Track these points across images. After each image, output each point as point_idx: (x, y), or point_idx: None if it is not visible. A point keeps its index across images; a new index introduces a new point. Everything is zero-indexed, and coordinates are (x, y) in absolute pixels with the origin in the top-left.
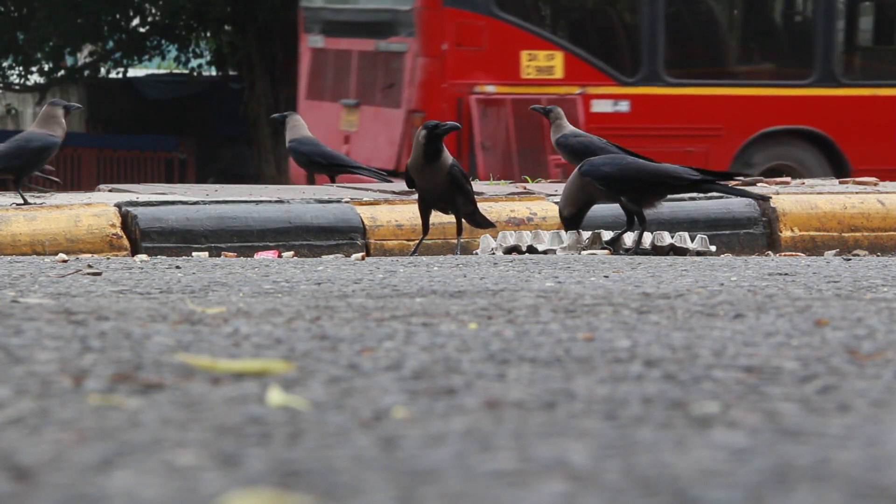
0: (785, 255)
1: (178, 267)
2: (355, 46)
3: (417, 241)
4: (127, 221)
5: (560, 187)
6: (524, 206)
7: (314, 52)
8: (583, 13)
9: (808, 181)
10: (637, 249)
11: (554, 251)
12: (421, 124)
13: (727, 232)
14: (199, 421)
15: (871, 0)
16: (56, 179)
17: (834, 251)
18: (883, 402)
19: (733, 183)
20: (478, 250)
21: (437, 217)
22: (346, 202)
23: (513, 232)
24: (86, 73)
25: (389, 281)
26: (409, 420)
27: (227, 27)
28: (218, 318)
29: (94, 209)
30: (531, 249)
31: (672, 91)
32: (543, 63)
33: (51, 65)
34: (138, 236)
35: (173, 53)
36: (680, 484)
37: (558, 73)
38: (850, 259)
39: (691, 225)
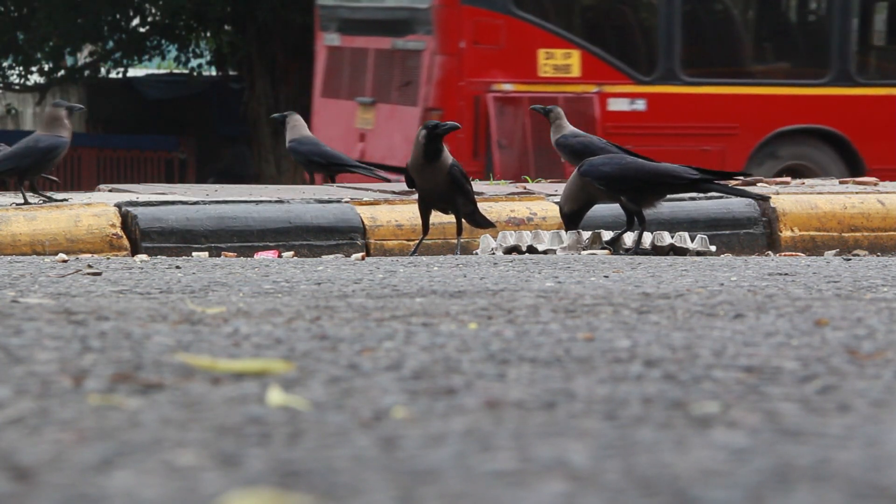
0: (785, 255)
1: (178, 267)
2: (372, 44)
3: (417, 241)
4: (127, 221)
5: (560, 187)
6: (524, 206)
7: (330, 50)
8: (600, 12)
9: (808, 181)
10: (637, 249)
11: (554, 251)
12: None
13: (727, 232)
14: (199, 421)
15: None
16: (55, 179)
17: (834, 251)
18: (883, 402)
19: (733, 183)
20: (478, 250)
21: (437, 217)
22: (346, 202)
23: (513, 232)
24: (86, 73)
25: (389, 281)
26: (409, 420)
27: (227, 27)
28: (218, 318)
29: (94, 209)
30: (531, 249)
31: (688, 90)
32: (560, 61)
33: (51, 65)
34: (138, 236)
35: (173, 53)
36: (680, 484)
37: (575, 72)
38: (850, 259)
39: (691, 225)
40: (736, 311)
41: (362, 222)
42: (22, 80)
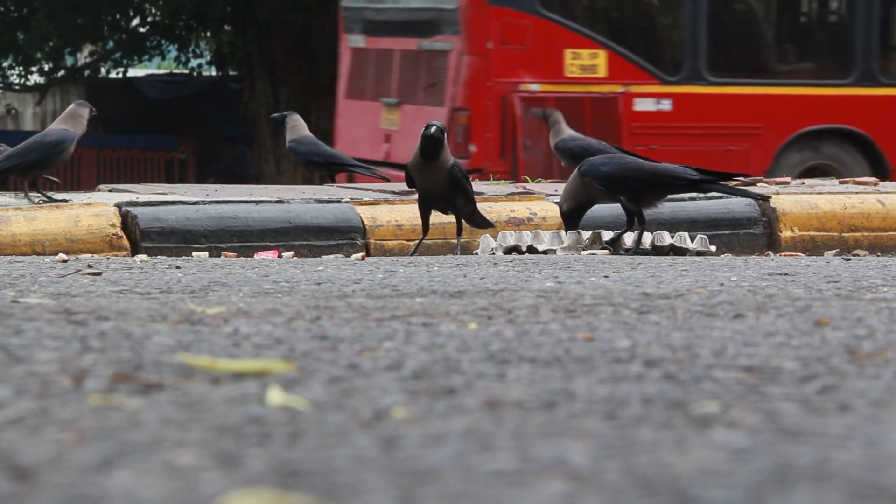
0: (785, 255)
1: (178, 267)
2: (397, 45)
3: (417, 241)
4: (127, 221)
5: (560, 187)
6: (524, 206)
7: (354, 52)
8: (626, 12)
9: (808, 181)
10: (637, 249)
11: (554, 251)
12: (466, 122)
13: (727, 232)
14: (199, 421)
15: None
16: (55, 180)
17: (834, 251)
18: (883, 402)
19: (733, 183)
20: (478, 250)
21: (437, 217)
22: (346, 202)
23: (513, 232)
24: (86, 73)
25: (389, 281)
26: (409, 420)
27: (227, 27)
28: (218, 318)
29: (94, 209)
30: (531, 249)
31: (714, 90)
32: (587, 62)
33: (51, 65)
34: (138, 236)
35: (173, 53)
36: (680, 484)
37: (602, 72)
38: (850, 259)
39: (691, 225)
40: (736, 311)
41: (362, 222)
42: (22, 80)
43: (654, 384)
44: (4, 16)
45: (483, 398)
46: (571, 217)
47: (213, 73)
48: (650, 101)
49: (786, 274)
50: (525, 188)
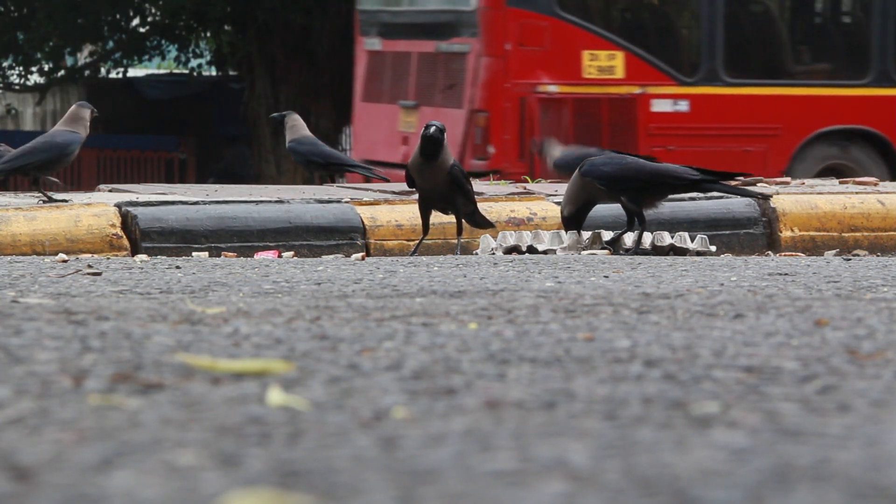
0: (785, 255)
1: (178, 267)
2: (414, 48)
3: (417, 241)
4: (127, 221)
5: (560, 187)
6: (524, 206)
7: (371, 55)
8: (643, 13)
9: (807, 181)
10: (637, 249)
11: (554, 251)
12: (484, 123)
13: (727, 232)
14: (199, 421)
15: None
16: (55, 179)
17: (834, 251)
18: (883, 402)
19: (734, 183)
20: (478, 250)
21: (437, 217)
22: (346, 202)
23: (513, 232)
24: (86, 73)
25: (389, 281)
26: (409, 420)
27: (227, 27)
28: (218, 318)
29: (94, 209)
30: (531, 249)
31: (731, 91)
32: (605, 63)
33: (51, 65)
34: (138, 236)
35: (173, 53)
36: (680, 484)
37: (619, 73)
38: (850, 259)
39: (691, 225)
40: (736, 311)
41: (362, 222)
42: (22, 80)
43: (654, 384)
44: (4, 16)
45: (483, 398)
46: (572, 221)
47: (213, 73)
48: (667, 102)
49: (786, 274)
50: (525, 188)
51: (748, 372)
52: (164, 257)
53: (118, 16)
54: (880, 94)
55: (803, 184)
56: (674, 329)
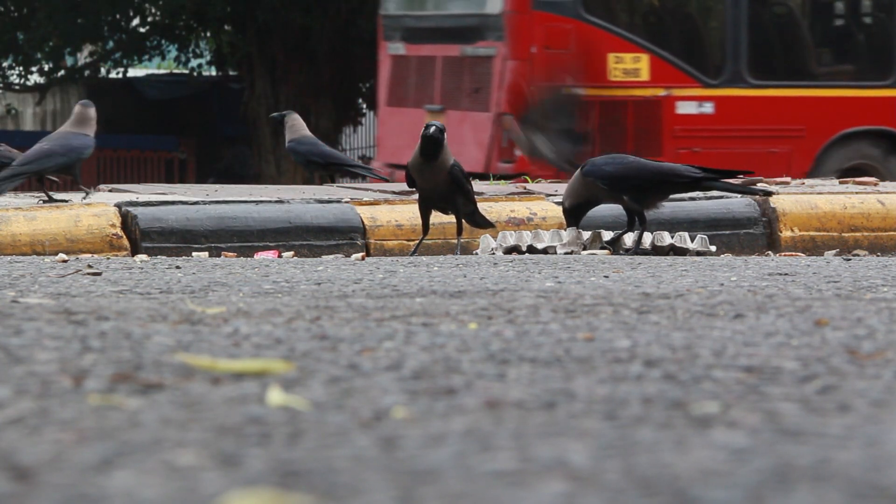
0: (785, 255)
1: (178, 267)
2: (439, 52)
3: (417, 241)
4: (127, 221)
5: (560, 187)
6: (524, 206)
7: (395, 59)
8: (668, 16)
9: (807, 181)
10: (637, 249)
11: (554, 249)
12: (510, 126)
13: (727, 232)
14: (199, 421)
15: None
16: (55, 179)
17: (834, 251)
18: (883, 402)
19: (735, 181)
20: (478, 250)
21: (437, 217)
22: (346, 202)
23: (513, 232)
24: (86, 73)
25: (389, 281)
26: (409, 420)
27: (227, 27)
28: (218, 318)
29: (94, 209)
30: (531, 249)
31: (755, 93)
32: (630, 65)
33: (51, 65)
34: (138, 236)
35: (173, 53)
36: (680, 484)
37: (644, 76)
38: (850, 259)
39: (691, 225)
40: (736, 311)
41: (362, 222)
42: (22, 80)
43: (654, 384)
44: (4, 16)
45: (483, 398)
46: (573, 214)
47: (213, 73)
48: (692, 104)
49: (786, 274)
50: (525, 188)
51: (748, 372)
52: (164, 257)
53: (118, 16)
54: None
55: (803, 184)
56: (674, 329)
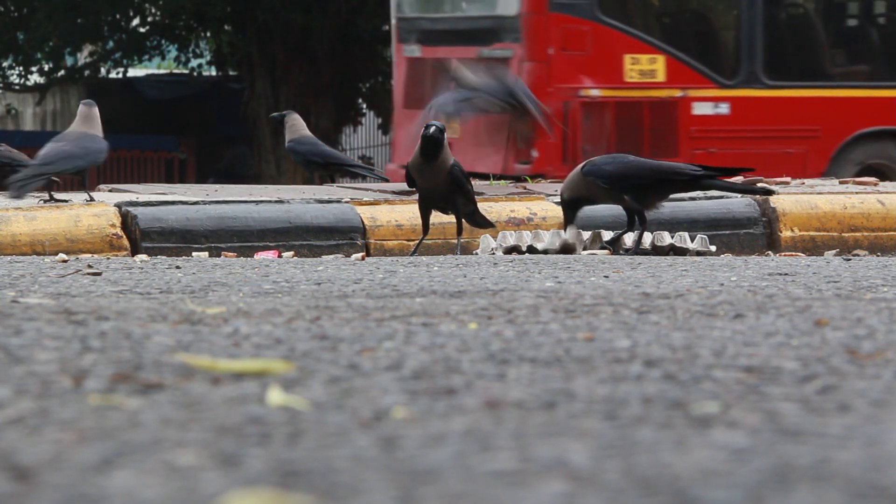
0: (785, 255)
1: (178, 267)
2: (455, 54)
3: (417, 241)
4: (127, 221)
5: (560, 188)
6: (524, 206)
7: (410, 62)
8: (684, 17)
9: (807, 181)
10: (637, 249)
11: (555, 248)
12: (527, 127)
13: (727, 232)
14: (199, 421)
15: None
16: (55, 179)
17: (834, 251)
18: (883, 402)
19: (735, 179)
20: (478, 250)
21: (437, 217)
22: (346, 202)
23: (513, 232)
24: (86, 73)
25: (389, 281)
26: (409, 420)
27: (227, 27)
28: (218, 318)
29: (94, 209)
30: (531, 249)
31: (771, 93)
32: (646, 66)
33: (51, 65)
34: (138, 236)
35: (173, 53)
36: (680, 484)
37: (660, 77)
38: (850, 259)
39: (691, 225)
40: (736, 311)
41: (362, 222)
42: (22, 80)
43: (654, 384)
44: (4, 16)
45: (483, 398)
46: (571, 207)
47: (213, 73)
48: (708, 104)
49: (786, 274)
50: (525, 188)
51: (748, 372)
52: (164, 257)
53: (118, 16)
54: None
55: (803, 184)
56: (674, 329)
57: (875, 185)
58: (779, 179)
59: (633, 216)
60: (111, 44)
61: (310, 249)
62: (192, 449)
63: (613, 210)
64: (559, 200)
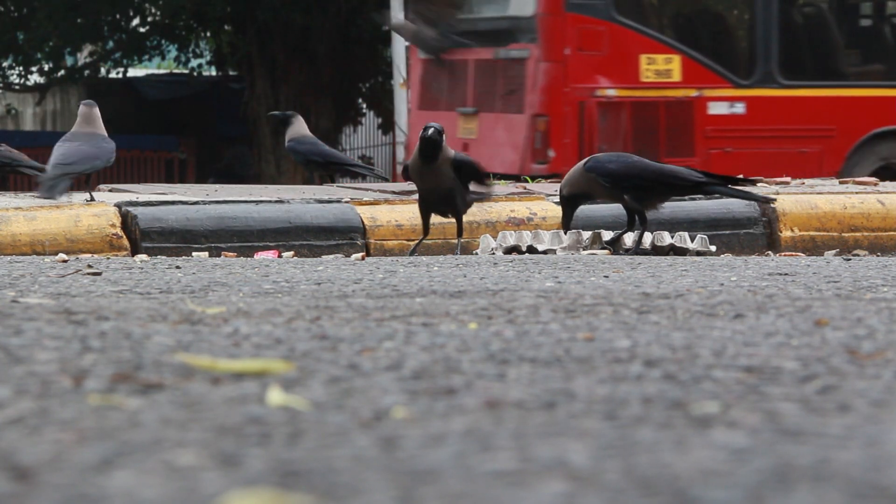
0: (785, 255)
1: (178, 267)
2: (471, 55)
3: (417, 242)
4: (127, 221)
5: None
6: (524, 206)
7: (426, 63)
8: (699, 17)
9: (807, 181)
10: (637, 249)
11: (554, 251)
12: (544, 128)
13: (727, 232)
14: (199, 421)
15: None
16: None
17: (834, 251)
18: (883, 402)
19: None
20: (478, 250)
21: (437, 217)
22: (346, 202)
23: (513, 232)
24: (86, 73)
25: (389, 281)
26: (409, 420)
27: (227, 27)
28: (218, 318)
29: (94, 209)
30: (531, 249)
31: (786, 93)
32: (662, 66)
33: (51, 65)
34: (138, 236)
35: (173, 53)
36: (680, 484)
37: (676, 77)
38: (850, 259)
39: (691, 225)
40: (736, 311)
41: (362, 222)
42: (22, 80)
43: (654, 384)
44: (4, 16)
45: (483, 398)
46: (570, 203)
47: (213, 73)
48: (724, 104)
49: (786, 274)
50: (525, 188)
51: (748, 372)
52: (164, 257)
53: (118, 16)
54: None
55: (803, 184)
56: (674, 329)
57: (875, 185)
58: (778, 179)
59: (634, 216)
60: (111, 44)
61: (310, 249)
62: (192, 449)
63: (613, 210)
64: (558, 199)
